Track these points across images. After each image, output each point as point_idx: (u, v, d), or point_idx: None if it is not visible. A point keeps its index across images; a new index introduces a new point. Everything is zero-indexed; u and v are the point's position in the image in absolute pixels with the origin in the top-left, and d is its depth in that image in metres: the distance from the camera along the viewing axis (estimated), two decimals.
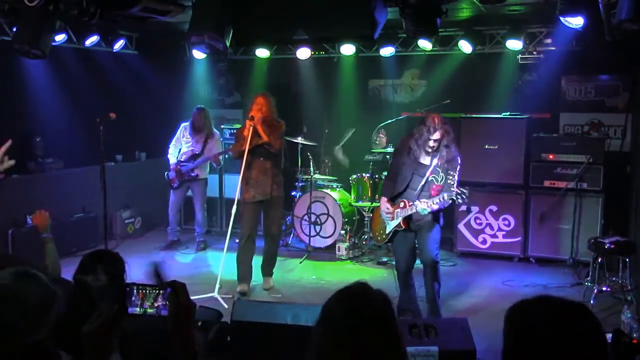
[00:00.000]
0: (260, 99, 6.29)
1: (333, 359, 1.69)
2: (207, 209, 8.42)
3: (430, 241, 5.33)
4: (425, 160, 5.28)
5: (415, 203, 5.17)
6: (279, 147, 6.27)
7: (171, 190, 8.08)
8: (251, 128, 6.06)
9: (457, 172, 5.22)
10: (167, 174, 8.05)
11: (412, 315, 5.40)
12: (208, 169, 8.20)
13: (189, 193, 8.24)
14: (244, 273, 6.28)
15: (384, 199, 5.47)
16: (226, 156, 8.11)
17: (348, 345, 1.67)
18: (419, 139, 5.23)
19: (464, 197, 4.96)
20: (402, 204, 5.30)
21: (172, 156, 8.04)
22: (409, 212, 5.23)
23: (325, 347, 1.71)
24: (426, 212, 5.14)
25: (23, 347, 1.94)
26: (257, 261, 6.48)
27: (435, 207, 5.08)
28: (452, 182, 5.17)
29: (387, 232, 5.48)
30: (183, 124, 8.07)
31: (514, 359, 1.62)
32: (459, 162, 5.24)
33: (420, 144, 5.23)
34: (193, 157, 7.95)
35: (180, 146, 8.04)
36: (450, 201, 5.06)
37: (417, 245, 5.45)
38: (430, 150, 5.20)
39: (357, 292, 1.78)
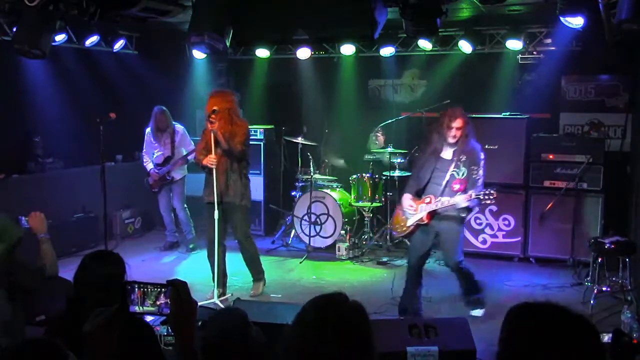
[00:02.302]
0: (215, 99, 5.89)
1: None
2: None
3: (451, 246, 5.38)
4: (446, 154, 5.28)
5: (440, 199, 5.19)
6: (240, 151, 5.93)
7: (158, 195, 8.05)
8: (212, 134, 5.75)
9: (482, 167, 5.21)
10: (146, 180, 7.97)
11: (412, 314, 5.41)
12: (185, 169, 8.05)
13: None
14: (217, 277, 6.03)
15: (406, 195, 5.45)
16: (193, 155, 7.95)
17: (313, 351, 1.71)
18: (441, 129, 5.25)
19: (491, 197, 4.97)
20: (427, 199, 5.28)
21: (148, 163, 7.92)
22: (434, 208, 5.22)
23: (295, 348, 1.76)
24: (462, 205, 5.15)
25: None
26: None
27: (465, 204, 5.10)
28: (477, 177, 5.17)
29: (408, 224, 5.41)
30: (147, 130, 7.91)
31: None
32: (482, 157, 5.23)
33: (442, 134, 5.24)
34: (166, 160, 7.84)
35: (152, 151, 7.92)
36: (477, 199, 5.07)
37: (437, 246, 5.54)
38: (452, 140, 5.21)
39: (331, 302, 1.82)
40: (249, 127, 6.24)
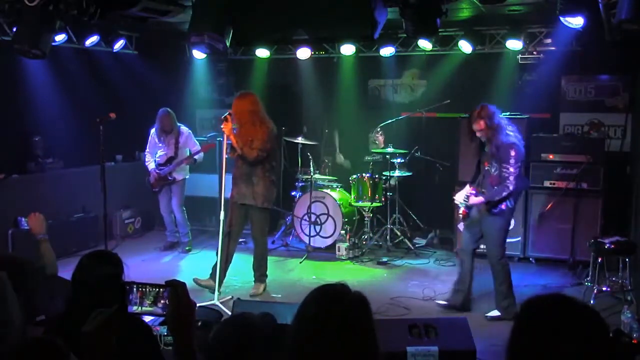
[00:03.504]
0: (236, 102, 6.02)
1: (304, 355, 1.71)
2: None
3: (488, 241, 5.48)
4: (487, 147, 5.43)
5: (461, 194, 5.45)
6: (255, 157, 5.97)
7: (158, 195, 8.05)
8: (225, 139, 5.87)
9: (512, 165, 5.20)
10: (147, 179, 7.97)
11: (462, 295, 5.64)
12: (188, 170, 8.08)
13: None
14: (213, 271, 6.12)
15: (467, 185, 5.63)
16: (201, 155, 7.95)
17: (317, 343, 1.69)
18: (471, 129, 5.40)
19: (463, 204, 5.25)
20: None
21: (150, 162, 7.93)
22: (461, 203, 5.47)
23: (297, 342, 1.73)
24: (463, 205, 5.38)
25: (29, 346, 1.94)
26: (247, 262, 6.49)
27: (475, 200, 5.24)
28: (507, 175, 5.19)
29: (460, 212, 5.70)
30: (152, 130, 7.91)
31: (519, 353, 1.62)
32: (512, 154, 5.21)
33: (473, 134, 5.40)
34: (169, 160, 7.84)
35: (156, 151, 7.92)
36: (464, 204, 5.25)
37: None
38: (482, 139, 5.37)
39: (333, 292, 1.80)
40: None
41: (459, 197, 5.46)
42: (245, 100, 6.04)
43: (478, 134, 5.30)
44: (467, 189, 5.54)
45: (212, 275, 6.15)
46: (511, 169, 5.18)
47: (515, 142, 5.28)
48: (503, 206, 5.31)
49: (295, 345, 1.73)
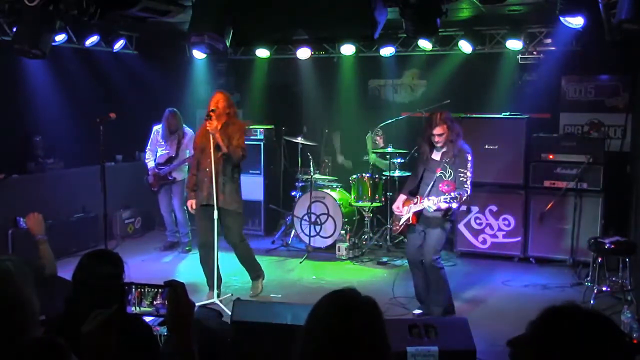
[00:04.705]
0: (213, 99, 5.91)
1: (318, 357, 1.72)
2: None
3: (429, 244, 5.42)
4: (435, 155, 5.42)
5: (419, 201, 5.34)
6: (239, 157, 5.86)
7: (158, 195, 8.04)
8: (211, 138, 5.67)
9: (469, 169, 5.27)
10: (146, 178, 7.97)
11: (433, 301, 5.56)
12: (185, 171, 8.01)
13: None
14: (209, 280, 6.05)
15: (400, 196, 5.65)
16: None
17: (333, 345, 1.70)
18: (424, 135, 5.42)
19: (455, 200, 5.05)
20: (415, 200, 5.43)
21: (150, 161, 7.93)
22: (419, 208, 5.36)
23: (311, 345, 1.74)
24: (432, 210, 5.25)
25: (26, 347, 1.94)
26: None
27: (444, 205, 5.14)
28: (464, 179, 5.22)
29: (400, 223, 5.62)
30: (155, 127, 7.92)
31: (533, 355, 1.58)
32: (470, 159, 5.29)
33: (426, 140, 5.41)
34: (169, 160, 7.84)
35: (157, 149, 7.93)
36: (451, 203, 5.11)
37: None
38: (437, 145, 5.35)
39: (347, 295, 1.82)
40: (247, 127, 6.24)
41: (429, 203, 5.26)
42: (222, 99, 5.93)
43: (437, 139, 5.31)
44: (398, 202, 5.57)
45: (210, 283, 6.07)
46: (468, 174, 5.24)
47: (470, 149, 5.38)
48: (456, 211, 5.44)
49: (308, 351, 1.74)
